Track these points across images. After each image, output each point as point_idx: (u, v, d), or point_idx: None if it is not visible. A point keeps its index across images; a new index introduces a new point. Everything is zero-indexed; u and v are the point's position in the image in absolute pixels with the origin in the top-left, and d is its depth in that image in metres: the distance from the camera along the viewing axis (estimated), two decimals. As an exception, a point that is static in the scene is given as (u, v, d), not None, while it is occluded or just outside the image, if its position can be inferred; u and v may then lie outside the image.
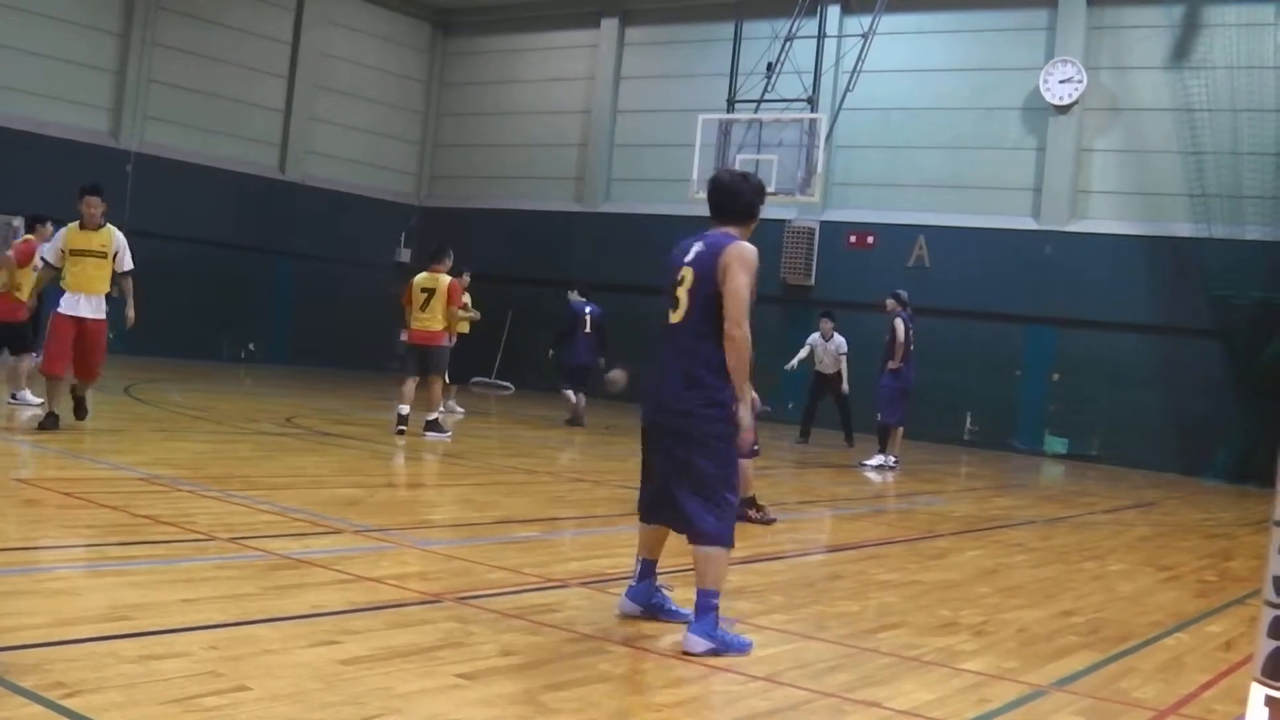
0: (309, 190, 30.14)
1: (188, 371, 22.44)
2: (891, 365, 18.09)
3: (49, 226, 15.06)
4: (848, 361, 21.06)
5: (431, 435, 15.67)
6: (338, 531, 8.33)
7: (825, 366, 21.13)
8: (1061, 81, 24.63)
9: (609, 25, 30.70)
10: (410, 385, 16.09)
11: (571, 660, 5.57)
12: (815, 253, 26.75)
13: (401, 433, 15.58)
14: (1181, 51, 23.29)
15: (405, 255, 32.44)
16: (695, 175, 22.93)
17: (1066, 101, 24.59)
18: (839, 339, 21.10)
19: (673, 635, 6.23)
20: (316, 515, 8.82)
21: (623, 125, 30.39)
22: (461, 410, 20.05)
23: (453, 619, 6.06)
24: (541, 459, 15.11)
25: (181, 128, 27.73)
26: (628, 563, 8.35)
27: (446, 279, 16.01)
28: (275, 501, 9.25)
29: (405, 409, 15.83)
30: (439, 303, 15.90)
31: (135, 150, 26.65)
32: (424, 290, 15.99)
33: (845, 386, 21.20)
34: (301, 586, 6.51)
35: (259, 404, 17.98)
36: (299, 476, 11.12)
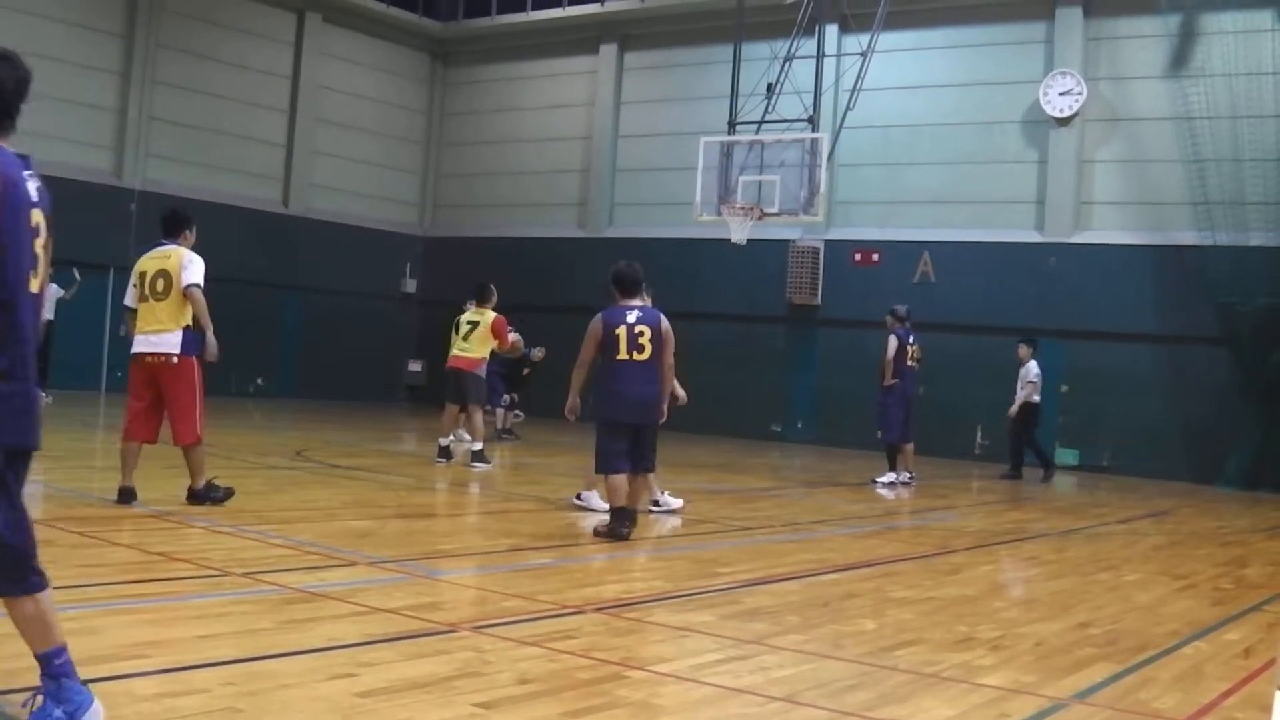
0: (313, 224, 30.20)
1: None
2: (885, 382, 18.05)
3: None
4: (1034, 390, 20.58)
5: (478, 466, 16.02)
6: (351, 564, 8.32)
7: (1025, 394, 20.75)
8: (1061, 94, 24.66)
9: (608, 51, 30.77)
10: (449, 414, 16.67)
11: (589, 687, 5.55)
12: (820, 272, 26.78)
13: (442, 462, 16.11)
14: (1180, 60, 23.30)
15: (411, 286, 32.50)
16: (698, 198, 22.98)
17: (1067, 113, 24.62)
18: (1030, 366, 20.63)
19: (692, 660, 6.22)
20: (330, 548, 8.81)
21: (624, 150, 30.44)
22: (469, 438, 20.05)
23: (469, 649, 6.05)
24: (552, 485, 15.09)
25: (184, 164, 27.83)
26: (643, 588, 8.36)
27: (491, 315, 16.56)
28: (288, 535, 9.25)
29: (445, 440, 16.48)
30: (481, 333, 16.49)
31: (138, 188, 26.73)
32: (469, 323, 16.68)
33: (1012, 409, 20.71)
34: (317, 620, 6.50)
35: (269, 438, 17.96)
36: (311, 510, 11.12)
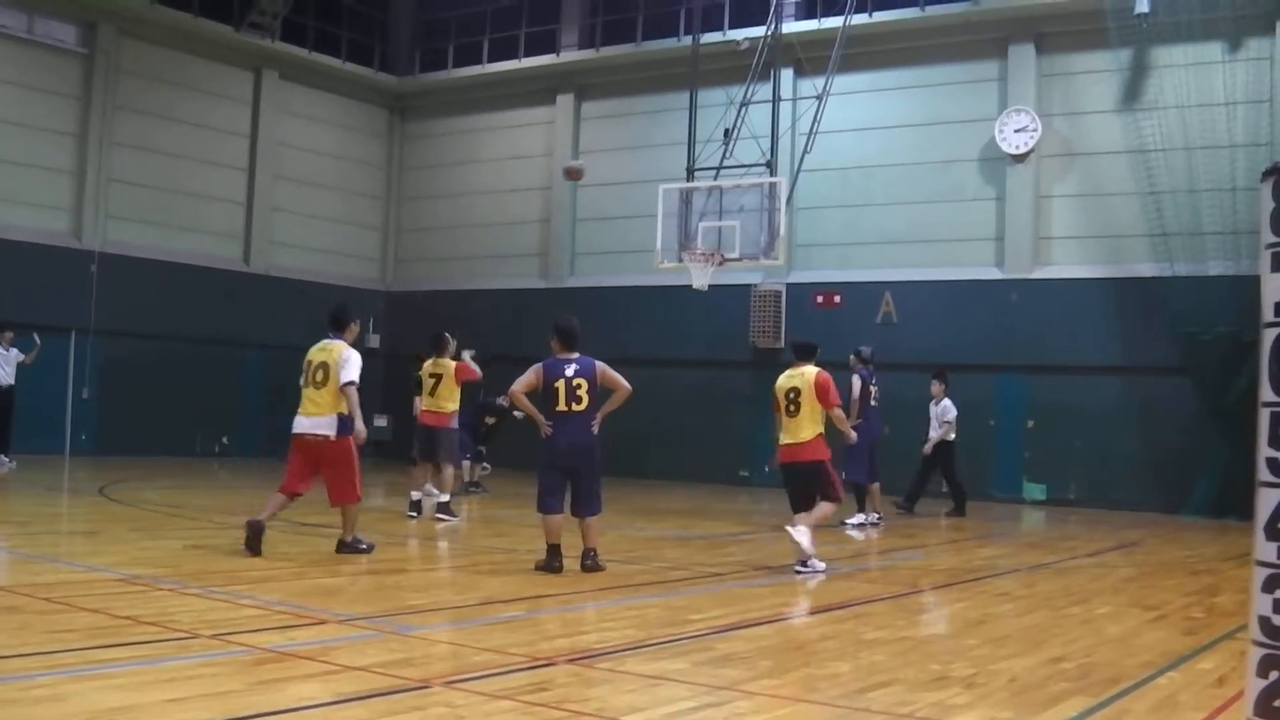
0: (274, 281, 30.12)
1: (162, 469, 22.30)
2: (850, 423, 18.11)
3: None
4: (950, 430, 20.32)
5: (442, 519, 15.98)
6: (321, 622, 8.26)
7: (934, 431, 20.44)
8: (1016, 130, 24.86)
9: (565, 101, 30.88)
10: (421, 470, 16.87)
11: (564, 738, 5.53)
12: (783, 315, 26.82)
13: (413, 517, 16.07)
14: (1132, 94, 23.55)
15: (374, 341, 32.38)
16: (659, 245, 23.00)
17: (1022, 150, 24.81)
18: (945, 404, 20.36)
19: (666, 708, 6.19)
20: (299, 607, 8.75)
21: (584, 199, 30.49)
22: (436, 492, 19.96)
23: (442, 704, 6.01)
24: (520, 538, 15.02)
25: (144, 225, 27.76)
26: (615, 637, 8.33)
27: (451, 364, 16.63)
28: (257, 595, 9.19)
29: (417, 495, 16.48)
30: (446, 386, 16.54)
31: (98, 250, 26.64)
32: (431, 376, 16.69)
33: (926, 448, 20.36)
34: (287, 680, 6.45)
35: (235, 497, 17.83)
36: (279, 568, 11.05)
